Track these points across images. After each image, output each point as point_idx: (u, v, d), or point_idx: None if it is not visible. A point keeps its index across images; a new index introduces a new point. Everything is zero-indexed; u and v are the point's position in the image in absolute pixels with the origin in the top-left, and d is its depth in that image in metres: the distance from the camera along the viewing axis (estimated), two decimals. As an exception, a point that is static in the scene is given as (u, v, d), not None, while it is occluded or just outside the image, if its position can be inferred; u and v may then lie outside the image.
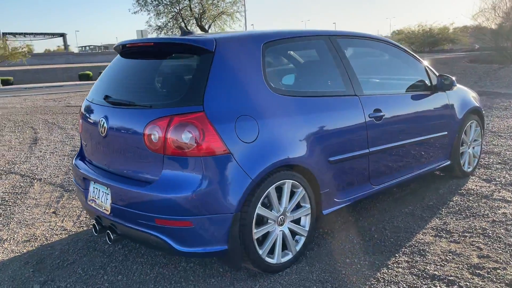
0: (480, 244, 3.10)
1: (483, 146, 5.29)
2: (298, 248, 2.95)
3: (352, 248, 3.15)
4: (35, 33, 56.38)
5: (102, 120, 2.89)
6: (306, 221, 3.00)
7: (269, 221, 2.77)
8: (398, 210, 3.81)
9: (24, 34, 55.05)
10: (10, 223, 3.95)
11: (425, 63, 4.11)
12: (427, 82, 4.04)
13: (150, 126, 2.54)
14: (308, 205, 2.97)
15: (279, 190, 2.81)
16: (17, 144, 7.68)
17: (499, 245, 3.08)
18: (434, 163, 4.14)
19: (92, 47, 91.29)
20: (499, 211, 3.66)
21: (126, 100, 2.80)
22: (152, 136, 2.53)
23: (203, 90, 2.55)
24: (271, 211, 2.77)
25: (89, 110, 3.14)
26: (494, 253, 2.97)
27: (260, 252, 2.71)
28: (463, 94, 4.49)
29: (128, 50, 3.15)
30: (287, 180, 2.80)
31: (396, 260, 2.94)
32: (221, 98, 2.59)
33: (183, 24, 29.52)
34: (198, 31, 30.38)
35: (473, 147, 4.69)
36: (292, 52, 3.42)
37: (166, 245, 2.55)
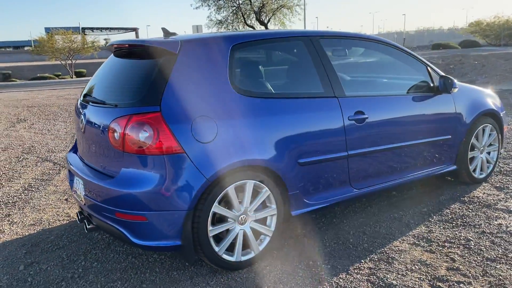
0: (455, 256, 2.97)
1: (502, 152, 4.96)
2: (261, 247, 2.99)
3: (322, 251, 3.14)
4: (110, 28, 59.76)
5: (82, 117, 3.10)
6: (272, 222, 3.03)
7: (228, 219, 2.84)
8: (388, 215, 3.71)
9: (101, 29, 58.54)
10: (25, 207, 4.32)
11: (428, 63, 3.94)
12: (428, 83, 3.88)
13: (113, 124, 2.70)
14: (274, 206, 3.00)
15: (243, 189, 2.86)
16: (63, 133, 8.26)
17: (476, 258, 2.93)
18: (433, 167, 3.97)
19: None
20: (495, 222, 3.46)
21: (98, 99, 2.98)
22: (115, 134, 2.69)
23: (162, 91, 2.66)
24: (231, 210, 2.83)
25: (77, 107, 3.37)
26: (466, 266, 2.84)
27: (217, 249, 2.79)
28: (475, 96, 4.25)
29: (116, 50, 3.33)
30: (248, 181, 2.85)
31: (360, 266, 2.90)
32: (180, 99, 2.68)
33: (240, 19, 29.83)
34: (257, 26, 30.64)
35: (488, 153, 4.43)
36: (263, 54, 3.43)
37: (125, 237, 2.70)
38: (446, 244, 3.15)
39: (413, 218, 3.62)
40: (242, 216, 2.88)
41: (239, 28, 30.74)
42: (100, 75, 3.35)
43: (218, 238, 2.84)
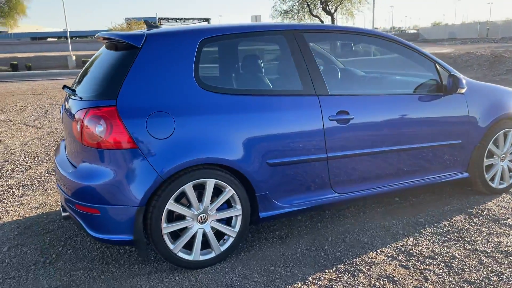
0: (430, 274, 2.70)
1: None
2: (223, 248, 2.92)
3: (290, 256, 3.00)
4: (184, 18, 61.45)
5: (62, 108, 3.19)
6: (236, 222, 2.94)
7: (187, 218, 2.79)
8: (378, 223, 3.46)
9: (176, 19, 60.39)
10: (38, 190, 4.56)
11: (437, 60, 3.60)
12: (436, 82, 3.55)
13: (75, 116, 2.74)
14: (239, 206, 2.90)
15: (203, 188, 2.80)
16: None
17: (452, 279, 2.65)
18: (439, 174, 3.64)
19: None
20: (495, 239, 3.11)
21: (71, 91, 3.04)
22: (77, 126, 2.73)
23: (120, 85, 2.65)
24: (189, 208, 2.78)
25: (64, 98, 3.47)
26: (437, 287, 2.57)
27: (172, 246, 2.76)
28: (496, 97, 3.82)
29: (103, 42, 3.37)
30: (208, 179, 2.77)
31: (321, 276, 2.73)
32: (137, 93, 2.66)
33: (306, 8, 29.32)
34: (324, 16, 30.00)
35: (511, 161, 3.99)
36: (238, 49, 3.29)
37: (83, 229, 2.75)
38: (426, 260, 2.87)
39: (404, 228, 3.35)
40: (202, 215, 2.82)
41: (304, 18, 30.25)
42: (85, 67, 3.42)
43: (174, 236, 2.80)
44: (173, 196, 2.70)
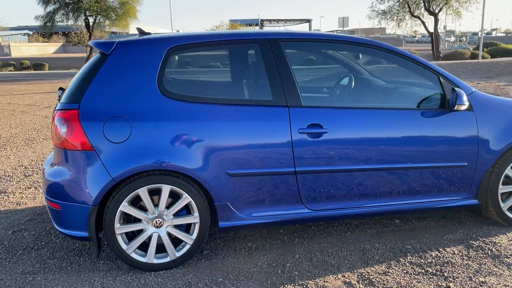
0: (378, 308, 2.47)
1: None
2: (179, 254, 2.95)
3: (247, 270, 2.93)
4: (286, 20, 62.22)
5: None
6: (194, 230, 2.95)
7: (142, 221, 2.87)
8: (359, 245, 3.23)
9: (277, 21, 61.45)
10: (71, 181, 4.97)
11: (442, 72, 3.25)
12: (440, 96, 3.21)
13: (54, 117, 2.97)
14: (196, 214, 2.91)
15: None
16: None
17: (399, 317, 2.39)
18: (436, 198, 3.28)
19: (339, 31, 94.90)
20: (480, 279, 2.74)
21: (59, 94, 3.27)
22: (52, 126, 2.96)
23: (85, 90, 2.82)
24: (145, 212, 2.86)
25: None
26: (376, 323, 2.35)
27: (125, 247, 2.86)
28: (516, 116, 3.34)
29: None
30: (163, 185, 2.83)
31: (262, 294, 2.64)
32: (99, 98, 2.80)
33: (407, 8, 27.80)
34: (426, 16, 28.21)
35: (539, 190, 3.46)
36: (208, 57, 3.26)
37: (52, 222, 2.97)
38: (384, 292, 2.63)
39: (383, 254, 3.09)
40: (157, 220, 2.88)
41: (404, 19, 28.71)
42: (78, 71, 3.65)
43: (128, 237, 2.90)
44: (127, 198, 2.79)
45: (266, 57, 3.03)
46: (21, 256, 3.23)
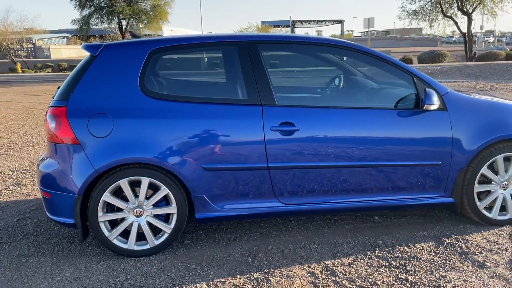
0: (333, 296, 2.61)
1: None
2: (158, 242, 3.16)
3: (219, 259, 3.11)
4: (318, 20, 62.15)
5: None
6: (172, 220, 3.16)
7: (124, 210, 3.11)
8: (332, 239, 3.36)
9: (309, 22, 61.46)
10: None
11: (415, 72, 3.33)
12: (415, 96, 3.30)
13: (45, 114, 3.25)
14: (174, 205, 3.12)
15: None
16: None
17: (350, 304, 2.52)
18: (409, 195, 3.36)
19: (373, 32, 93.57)
20: (440, 273, 2.82)
21: (55, 93, 3.55)
22: (44, 122, 3.24)
23: (73, 88, 3.08)
24: (126, 202, 3.09)
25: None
26: (327, 309, 2.49)
27: (107, 234, 3.10)
28: (496, 116, 3.38)
29: None
30: (143, 177, 3.05)
31: (227, 280, 2.82)
32: (85, 96, 3.06)
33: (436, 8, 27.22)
34: (458, 17, 27.58)
35: (518, 189, 3.49)
36: (188, 59, 3.44)
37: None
38: (343, 281, 2.76)
39: (353, 248, 3.21)
40: (137, 209, 3.10)
41: (437, 19, 28.17)
42: None
43: (111, 224, 3.13)
44: (109, 189, 3.03)
45: (243, 59, 3.20)
46: (20, 241, 3.52)
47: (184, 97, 3.15)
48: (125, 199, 3.10)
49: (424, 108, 3.19)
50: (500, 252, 3.08)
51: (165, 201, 3.17)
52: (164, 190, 3.09)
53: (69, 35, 60.52)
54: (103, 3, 30.18)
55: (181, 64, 3.51)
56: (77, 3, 29.83)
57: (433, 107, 3.19)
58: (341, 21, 63.54)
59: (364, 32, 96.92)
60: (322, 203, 3.30)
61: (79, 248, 3.36)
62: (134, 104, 3.07)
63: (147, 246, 3.17)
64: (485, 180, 3.45)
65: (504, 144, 3.36)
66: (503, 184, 3.45)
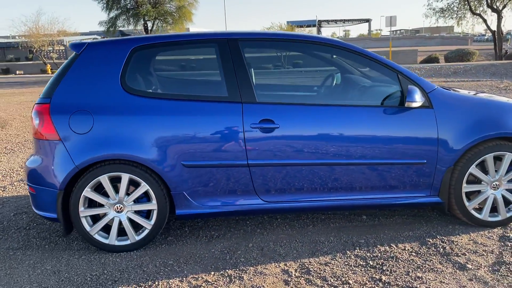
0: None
1: None
2: (139, 237, 3.20)
3: (198, 255, 3.13)
4: (344, 20, 61.49)
5: None
6: (153, 216, 3.19)
7: (105, 205, 3.16)
8: (315, 237, 3.32)
9: (336, 21, 60.87)
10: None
11: (401, 69, 3.26)
12: (400, 94, 3.23)
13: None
14: (154, 201, 3.15)
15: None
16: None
17: (317, 303, 2.49)
18: (394, 194, 3.29)
19: (402, 31, 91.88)
20: (417, 274, 2.76)
21: None
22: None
23: (56, 86, 3.16)
24: (107, 197, 3.14)
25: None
26: (292, 307, 2.47)
27: (88, 229, 3.16)
28: (484, 114, 3.27)
29: None
30: (123, 173, 3.10)
31: (201, 276, 2.83)
32: (67, 94, 3.12)
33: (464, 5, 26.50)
34: (488, 14, 26.75)
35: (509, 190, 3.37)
36: (169, 56, 3.46)
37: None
38: (315, 280, 2.73)
39: (334, 247, 3.16)
40: (118, 205, 3.15)
41: (465, 17, 27.44)
42: None
43: (93, 220, 3.19)
44: (90, 184, 3.09)
45: (224, 56, 3.21)
46: (12, 235, 3.63)
47: (164, 94, 3.19)
48: (106, 195, 3.15)
49: (406, 105, 3.12)
50: (485, 254, 2.98)
51: (146, 197, 3.21)
52: (144, 186, 3.12)
53: (99, 37, 61.91)
54: (129, 5, 30.74)
55: (165, 62, 3.55)
56: (104, 5, 30.48)
57: (415, 105, 3.12)
58: (368, 20, 62.65)
59: (393, 31, 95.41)
60: (304, 201, 3.27)
61: (65, 243, 3.44)
62: (115, 101, 3.11)
63: (128, 242, 3.21)
64: (475, 180, 3.34)
65: (493, 142, 3.25)
66: (493, 184, 3.33)
